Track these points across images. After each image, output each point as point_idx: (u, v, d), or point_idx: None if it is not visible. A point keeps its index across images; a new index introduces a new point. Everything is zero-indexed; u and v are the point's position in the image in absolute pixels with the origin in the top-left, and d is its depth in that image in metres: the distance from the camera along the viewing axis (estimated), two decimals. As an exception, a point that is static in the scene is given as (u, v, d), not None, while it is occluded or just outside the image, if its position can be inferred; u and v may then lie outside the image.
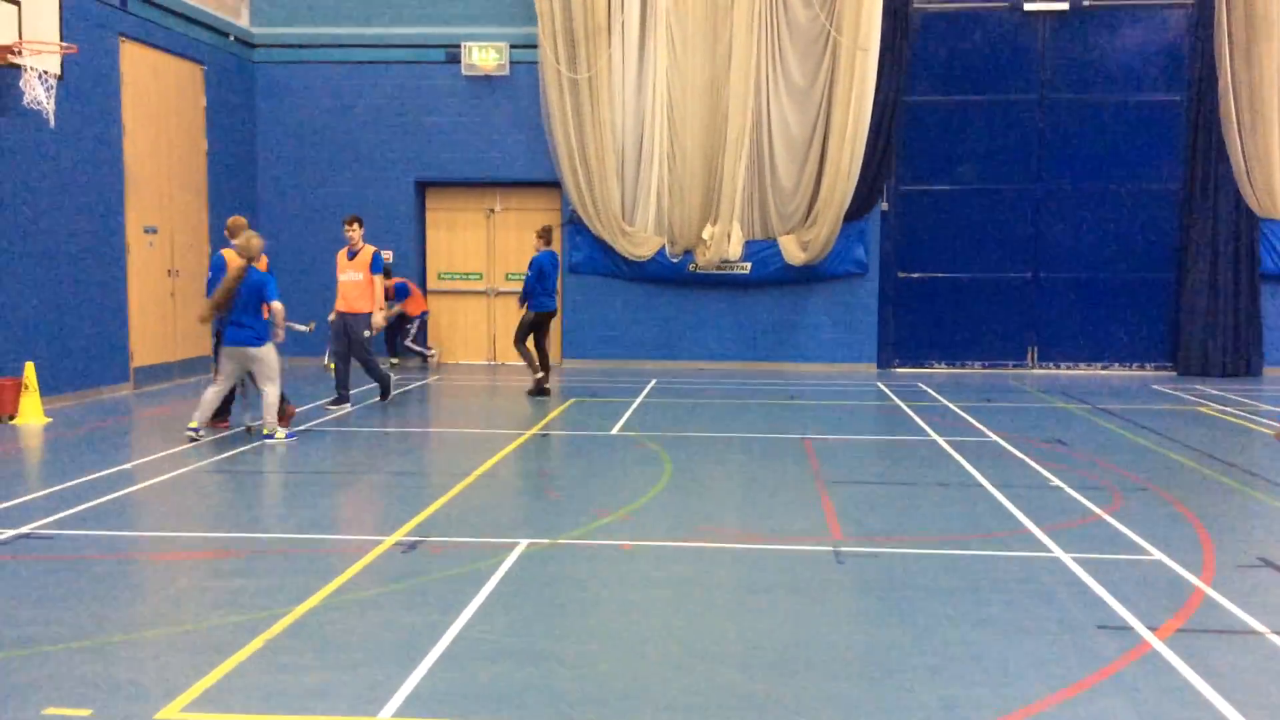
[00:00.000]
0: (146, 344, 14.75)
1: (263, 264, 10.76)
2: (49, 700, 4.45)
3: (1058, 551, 6.78)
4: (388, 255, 17.94)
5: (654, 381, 15.85)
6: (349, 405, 12.66)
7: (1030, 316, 17.88)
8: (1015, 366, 17.94)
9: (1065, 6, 17.22)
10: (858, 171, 16.96)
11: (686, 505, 8.13)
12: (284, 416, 10.92)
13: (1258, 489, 8.76)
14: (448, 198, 18.54)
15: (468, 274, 18.60)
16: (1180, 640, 5.21)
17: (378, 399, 13.28)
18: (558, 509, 8.06)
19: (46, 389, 12.22)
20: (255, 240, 10.58)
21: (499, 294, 18.37)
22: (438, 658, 4.93)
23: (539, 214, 18.14)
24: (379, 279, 12.71)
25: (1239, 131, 16.87)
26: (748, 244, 17.43)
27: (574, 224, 17.77)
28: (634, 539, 7.08)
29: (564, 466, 9.90)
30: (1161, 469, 9.58)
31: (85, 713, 4.34)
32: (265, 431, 10.49)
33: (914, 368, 17.93)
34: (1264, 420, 12.46)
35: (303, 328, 12.80)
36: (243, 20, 17.61)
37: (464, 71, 17.66)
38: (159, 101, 15.09)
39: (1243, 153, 16.90)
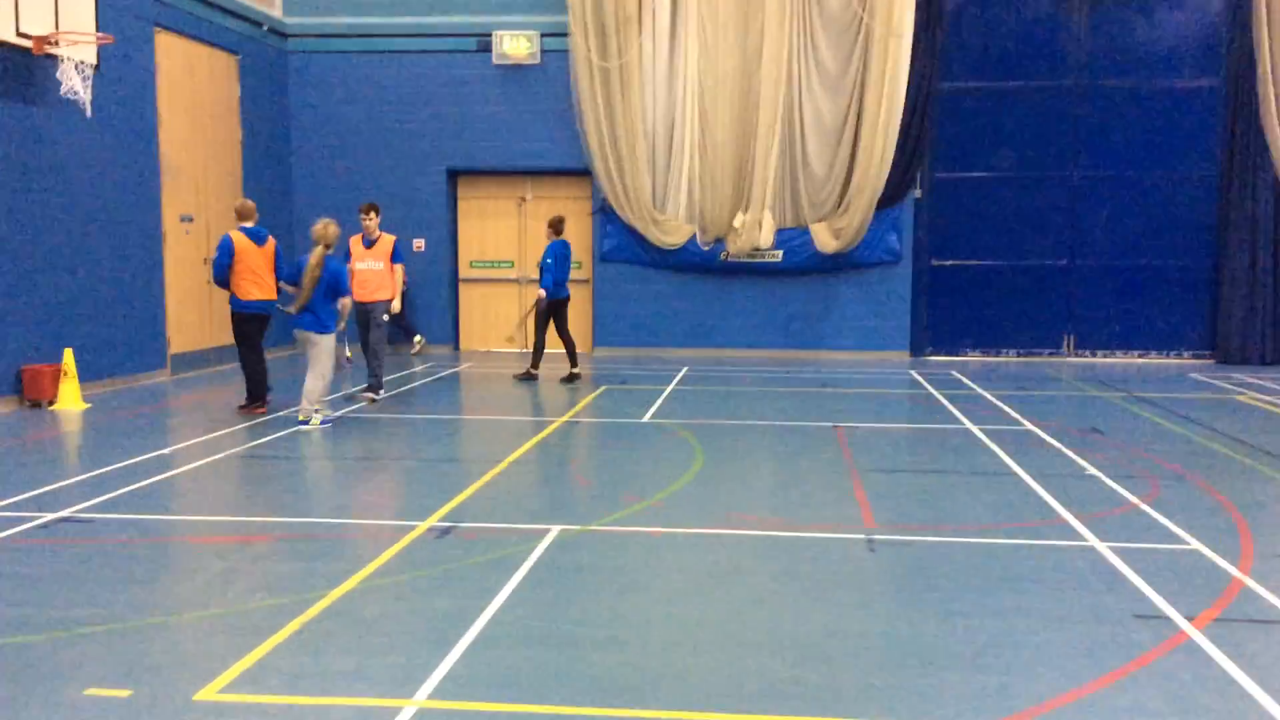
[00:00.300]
0: (183, 331, 14.90)
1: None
2: (89, 681, 4.51)
3: (1094, 541, 6.72)
4: (419, 244, 18.05)
5: (685, 369, 15.84)
6: (383, 392, 12.70)
7: (1066, 304, 17.71)
8: (1051, 355, 17.79)
9: (1101, -9, 17.05)
10: (890, 159, 16.84)
11: (718, 493, 8.13)
12: (259, 407, 11.25)
13: (1297, 478, 8.65)
14: (479, 186, 18.60)
15: (499, 262, 18.65)
16: (1217, 630, 5.16)
17: (367, 394, 12.36)
18: (589, 496, 8.08)
19: (85, 375, 12.37)
20: (333, 228, 10.83)
21: (530, 282, 18.40)
22: (471, 642, 4.95)
23: (570, 203, 18.18)
24: (400, 268, 12.79)
25: (1278, 117, 16.62)
26: (779, 232, 17.36)
27: (605, 213, 17.78)
28: (665, 526, 7.09)
29: (595, 454, 9.92)
30: (1199, 458, 9.48)
31: (125, 693, 4.39)
32: (300, 418, 10.57)
33: (947, 356, 17.82)
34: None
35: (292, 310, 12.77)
36: (276, 10, 17.70)
37: (495, 60, 17.68)
38: (193, 91, 15.21)
39: (1283, 138, 16.67)
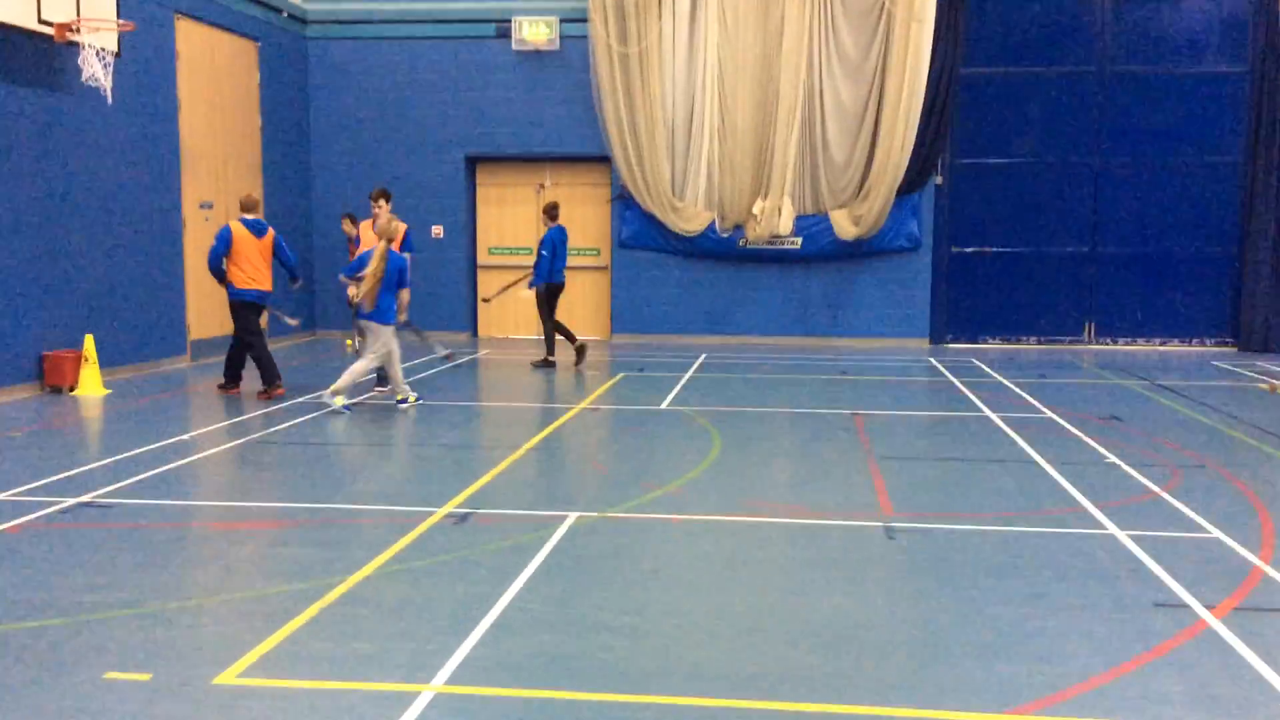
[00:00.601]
0: (203, 318, 14.96)
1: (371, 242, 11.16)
2: (109, 665, 4.55)
3: (1114, 529, 6.69)
4: (438, 230, 18.07)
5: (703, 356, 15.82)
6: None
7: (1088, 291, 17.59)
8: (1072, 342, 17.68)
9: (1125, -25, 16.89)
10: (911, 145, 16.74)
11: (736, 480, 8.12)
12: (278, 388, 11.44)
13: (1321, 467, 8.58)
14: (498, 173, 18.59)
15: (517, 248, 18.64)
16: (1238, 618, 5.13)
17: (379, 387, 11.97)
18: (607, 482, 8.08)
19: (105, 361, 12.44)
20: (397, 223, 11.21)
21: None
22: (488, 627, 4.97)
23: (589, 189, 18.16)
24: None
25: (1304, 102, 16.47)
26: (799, 219, 17.30)
27: (624, 199, 17.75)
28: (683, 513, 7.09)
29: (613, 441, 9.92)
30: (1220, 446, 9.41)
31: (145, 677, 4.42)
32: (329, 393, 10.65)
33: (967, 343, 17.74)
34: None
35: (292, 321, 12.74)
36: (295, -4, 17.73)
37: (514, 46, 17.64)
38: (213, 78, 15.25)
39: (1308, 124, 16.50)
